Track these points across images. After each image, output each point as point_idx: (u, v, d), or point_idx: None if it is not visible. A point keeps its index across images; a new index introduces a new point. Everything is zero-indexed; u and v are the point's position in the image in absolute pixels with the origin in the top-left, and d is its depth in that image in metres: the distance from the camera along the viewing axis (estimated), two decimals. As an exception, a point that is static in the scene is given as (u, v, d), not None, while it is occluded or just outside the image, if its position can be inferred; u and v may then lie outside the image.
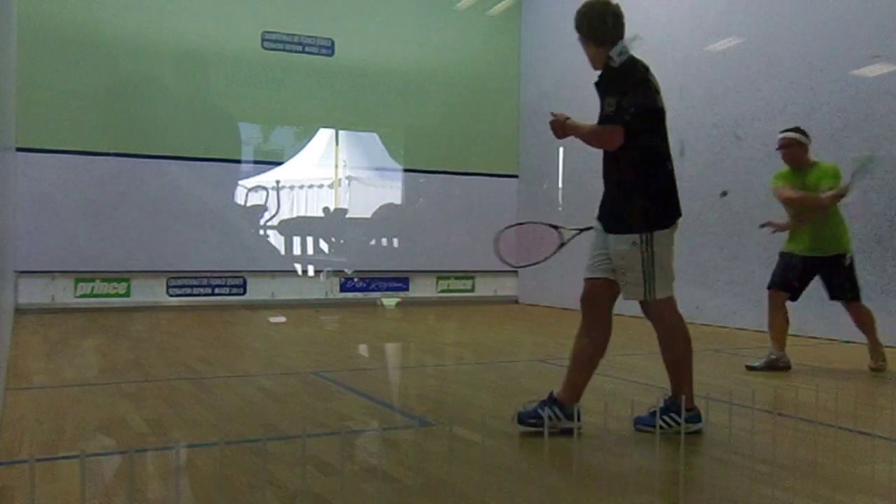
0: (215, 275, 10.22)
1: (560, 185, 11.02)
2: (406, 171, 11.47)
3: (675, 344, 3.47)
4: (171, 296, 10.00)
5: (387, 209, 11.51)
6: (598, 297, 3.45)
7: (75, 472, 2.71)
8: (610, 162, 3.45)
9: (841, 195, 5.16)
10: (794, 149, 5.41)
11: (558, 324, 8.91)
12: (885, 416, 3.48)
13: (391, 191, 11.64)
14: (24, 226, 8.89)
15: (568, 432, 3.30)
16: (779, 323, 5.39)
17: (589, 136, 3.38)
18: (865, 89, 7.01)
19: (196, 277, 10.12)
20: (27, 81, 9.05)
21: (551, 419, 3.29)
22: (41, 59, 9.31)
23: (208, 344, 6.83)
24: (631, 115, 3.25)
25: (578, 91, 10.62)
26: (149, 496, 2.50)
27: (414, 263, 11.30)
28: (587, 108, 12.63)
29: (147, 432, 3.38)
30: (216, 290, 10.23)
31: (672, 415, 3.37)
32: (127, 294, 9.77)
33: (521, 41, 11.70)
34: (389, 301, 11.14)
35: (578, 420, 3.28)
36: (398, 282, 11.32)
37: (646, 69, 3.42)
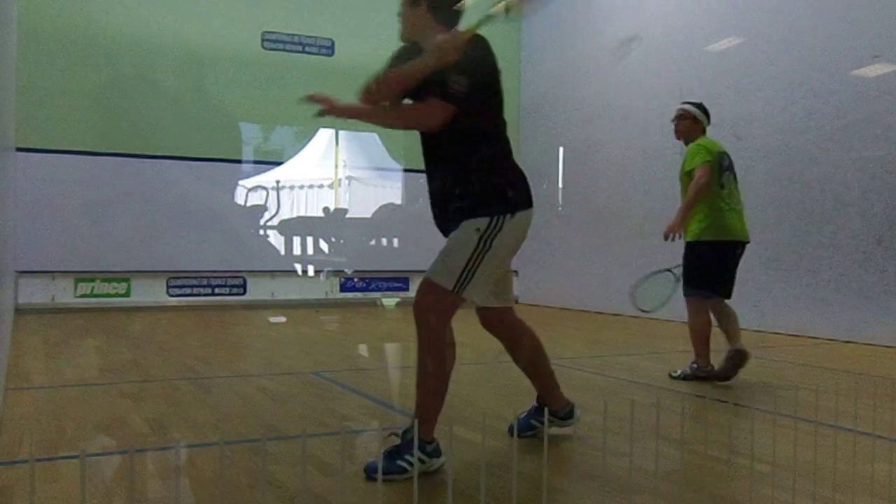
0: (215, 275, 10.22)
1: (560, 185, 11.02)
2: (406, 171, 11.47)
3: (432, 359, 2.81)
4: (171, 296, 10.00)
5: (387, 209, 11.51)
6: (489, 313, 3.14)
7: (75, 472, 2.71)
8: (453, 151, 2.93)
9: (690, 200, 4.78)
10: (685, 122, 5.04)
11: (558, 324, 8.91)
12: (885, 416, 3.48)
13: (391, 191, 11.64)
14: (24, 226, 8.89)
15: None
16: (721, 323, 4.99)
17: (401, 116, 2.93)
18: (865, 89, 7.02)
19: (196, 277, 10.12)
20: (27, 81, 9.05)
21: (552, 423, 3.27)
22: (41, 59, 9.31)
23: (208, 344, 6.83)
24: (464, 93, 2.76)
25: (578, 90, 10.67)
26: (149, 496, 2.50)
27: (414, 263, 11.27)
28: (588, 108, 12.62)
29: (147, 432, 3.38)
30: (216, 290, 10.23)
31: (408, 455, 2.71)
32: (127, 294, 9.77)
33: (520, 41, 11.71)
34: (389, 301, 11.14)
35: (575, 417, 3.28)
36: (398, 282, 11.31)
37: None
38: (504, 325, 3.20)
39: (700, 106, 5.10)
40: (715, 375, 4.75)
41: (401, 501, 2.53)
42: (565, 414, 3.29)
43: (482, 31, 2.94)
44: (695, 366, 4.84)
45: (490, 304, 3.10)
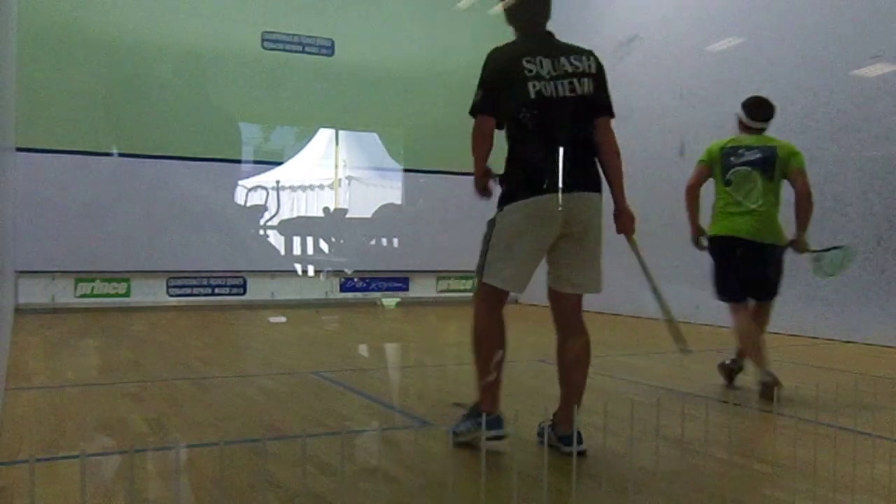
0: (215, 275, 10.21)
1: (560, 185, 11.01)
2: (406, 171, 11.47)
3: (473, 339, 3.33)
4: (171, 296, 9.99)
5: (387, 209, 11.51)
6: (550, 292, 3.39)
7: (75, 472, 2.71)
8: None
9: None
10: None
11: (558, 324, 8.90)
12: (885, 416, 3.48)
13: (391, 191, 11.64)
14: (24, 226, 8.89)
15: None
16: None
17: (474, 150, 3.33)
18: (865, 89, 7.02)
19: (196, 277, 10.12)
20: (27, 81, 9.04)
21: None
22: (41, 59, 9.31)
23: (208, 344, 6.83)
24: (478, 101, 3.22)
25: (578, 91, 10.65)
26: (149, 496, 2.49)
27: (414, 263, 11.29)
28: (587, 108, 12.26)
29: (147, 432, 3.38)
30: (216, 290, 10.23)
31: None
32: (127, 294, 9.77)
33: (521, 41, 11.69)
34: (389, 301, 11.14)
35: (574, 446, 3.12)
36: (398, 282, 11.31)
37: (502, 60, 3.25)
38: (556, 309, 3.37)
39: (745, 102, 4.82)
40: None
41: (400, 501, 2.53)
42: (561, 436, 3.11)
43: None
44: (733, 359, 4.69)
45: (553, 285, 3.36)
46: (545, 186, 3.22)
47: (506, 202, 3.20)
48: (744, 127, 4.82)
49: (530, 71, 3.20)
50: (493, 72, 3.23)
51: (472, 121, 3.24)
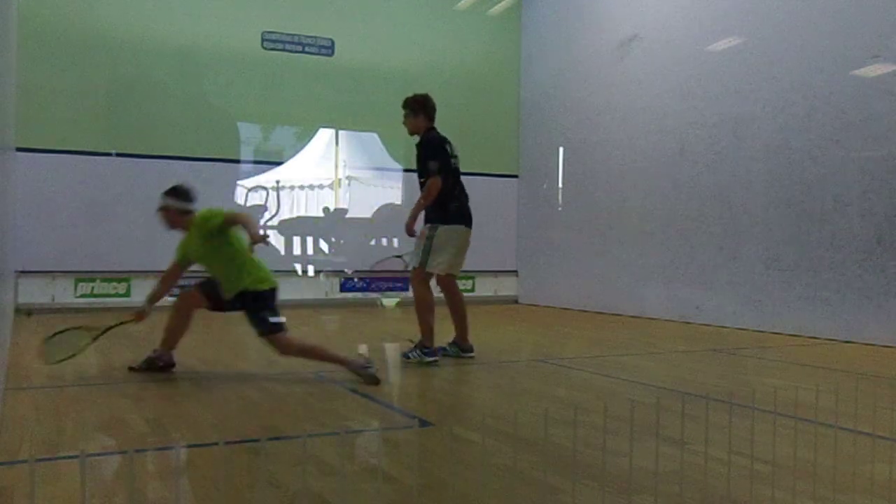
0: (215, 275, 10.21)
1: (560, 185, 11.02)
2: (406, 171, 11.47)
3: None
4: (172, 296, 9.96)
5: (387, 209, 11.51)
6: None
7: (75, 472, 2.71)
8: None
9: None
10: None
11: (558, 324, 8.91)
12: (885, 416, 3.47)
13: (391, 191, 11.64)
14: (24, 226, 8.89)
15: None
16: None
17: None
18: (865, 89, 7.02)
19: (196, 277, 10.09)
20: (27, 81, 9.05)
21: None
22: (41, 59, 9.31)
23: (208, 344, 6.83)
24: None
25: (578, 90, 10.67)
26: (149, 496, 2.49)
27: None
28: (586, 107, 12.65)
29: (147, 432, 3.38)
30: (216, 290, 10.22)
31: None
32: (127, 294, 9.77)
33: (521, 41, 11.70)
34: (389, 301, 11.14)
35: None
36: (398, 282, 11.31)
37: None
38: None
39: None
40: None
41: (400, 501, 2.53)
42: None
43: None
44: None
45: None
46: None
47: None
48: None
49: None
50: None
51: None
